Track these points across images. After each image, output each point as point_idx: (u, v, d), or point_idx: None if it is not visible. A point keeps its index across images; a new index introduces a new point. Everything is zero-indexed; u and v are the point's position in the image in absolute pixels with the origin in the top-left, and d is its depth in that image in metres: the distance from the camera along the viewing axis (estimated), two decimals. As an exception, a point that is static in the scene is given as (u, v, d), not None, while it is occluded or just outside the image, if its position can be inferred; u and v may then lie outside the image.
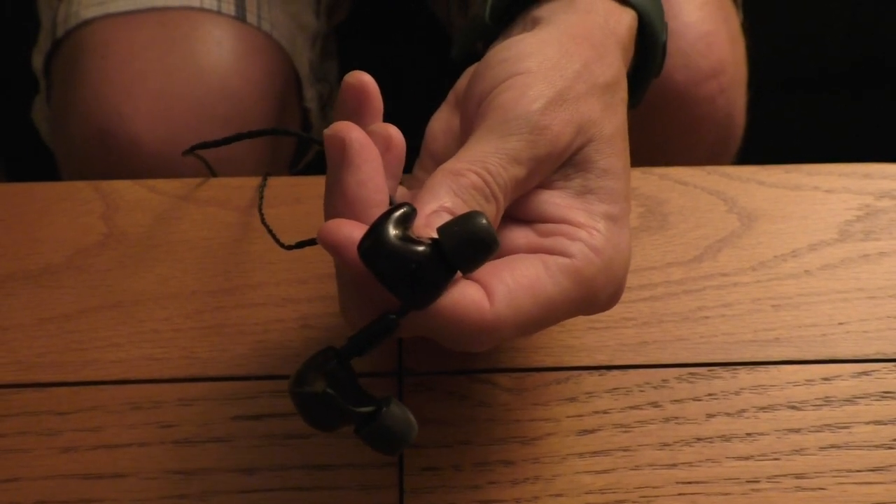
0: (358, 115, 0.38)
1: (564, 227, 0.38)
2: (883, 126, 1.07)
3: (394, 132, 0.38)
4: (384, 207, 0.36)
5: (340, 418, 0.35)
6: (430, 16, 0.81)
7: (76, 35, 0.63)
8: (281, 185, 0.50)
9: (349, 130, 0.36)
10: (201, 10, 0.63)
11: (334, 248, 0.35)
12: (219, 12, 0.63)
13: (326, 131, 0.37)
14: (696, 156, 0.65)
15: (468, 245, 0.34)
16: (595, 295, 0.38)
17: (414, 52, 0.96)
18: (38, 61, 0.68)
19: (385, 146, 0.38)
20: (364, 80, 0.38)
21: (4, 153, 1.01)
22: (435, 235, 0.35)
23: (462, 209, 0.36)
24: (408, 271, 0.34)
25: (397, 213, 0.34)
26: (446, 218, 0.36)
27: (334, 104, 0.75)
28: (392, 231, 0.34)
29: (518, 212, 0.39)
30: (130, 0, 0.63)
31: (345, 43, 0.81)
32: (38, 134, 0.73)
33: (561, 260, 0.37)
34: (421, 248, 0.34)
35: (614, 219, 0.39)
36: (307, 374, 0.35)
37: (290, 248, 0.45)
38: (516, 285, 0.36)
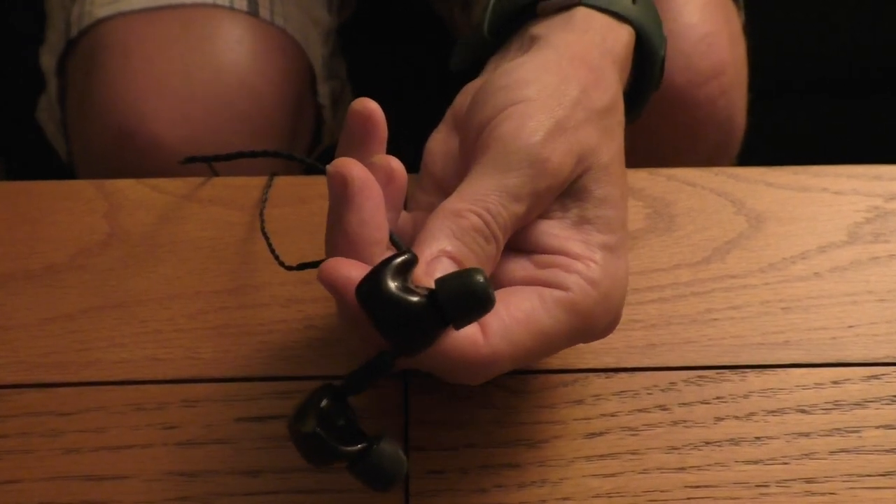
0: (362, 143, 0.39)
1: (561, 259, 0.38)
2: (893, 129, 1.07)
3: (395, 165, 0.38)
4: (384, 244, 0.37)
5: (332, 456, 0.36)
6: (433, 16, 0.81)
7: (92, 34, 0.63)
8: (285, 186, 0.49)
9: (351, 168, 0.36)
10: (214, 6, 0.63)
11: (333, 288, 0.35)
12: (231, 8, 0.63)
13: (329, 167, 0.37)
14: (696, 158, 0.65)
15: (464, 302, 0.34)
16: (592, 326, 0.38)
17: (417, 52, 0.96)
18: (47, 61, 0.68)
19: (387, 179, 0.38)
20: (370, 107, 0.39)
21: (5, 152, 1.01)
22: (432, 285, 0.35)
23: (462, 251, 0.37)
24: (402, 320, 0.34)
25: (398, 261, 0.35)
26: (447, 263, 0.36)
27: (345, 102, 0.75)
28: (391, 279, 0.34)
29: (515, 242, 0.39)
30: None
31: (349, 43, 0.80)
32: (39, 133, 0.73)
33: (557, 293, 0.37)
34: (416, 299, 0.34)
35: (611, 249, 0.39)
36: (303, 411, 0.36)
37: (291, 268, 0.45)
38: (511, 319, 0.37)
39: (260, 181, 0.49)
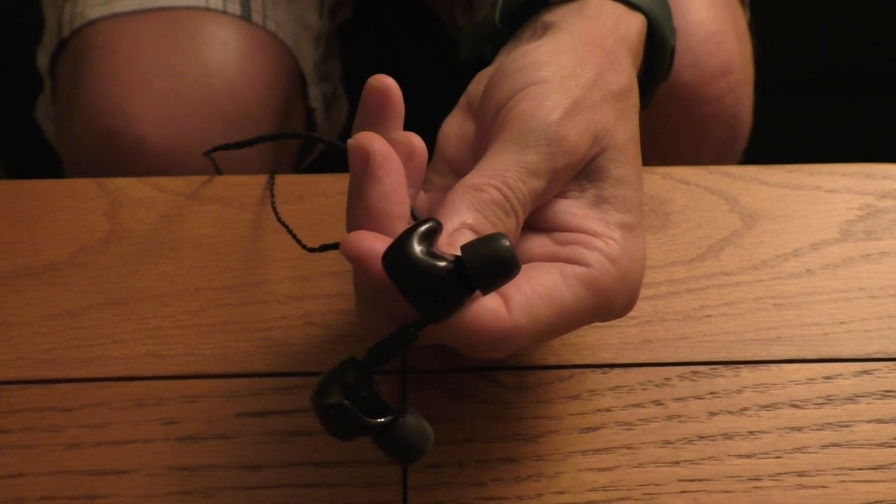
0: (379, 119, 0.38)
1: (581, 237, 0.38)
2: (885, 127, 1.07)
3: (416, 141, 0.38)
4: (406, 218, 0.36)
5: (358, 428, 0.36)
6: (431, 15, 0.81)
7: (82, 35, 0.63)
8: (286, 184, 0.50)
9: (373, 142, 0.36)
10: (207, 9, 0.63)
11: (357, 260, 0.35)
12: (224, 12, 0.63)
13: (350, 141, 0.36)
14: (703, 155, 0.65)
15: (490, 266, 0.34)
16: (610, 303, 0.38)
17: (416, 50, 0.96)
18: (43, 61, 0.68)
19: (407, 155, 0.38)
20: (387, 83, 0.38)
21: (6, 152, 1.01)
22: (458, 253, 0.35)
23: (483, 224, 0.37)
24: (429, 285, 0.34)
25: (423, 228, 0.35)
26: (468, 235, 0.36)
27: (338, 103, 0.76)
28: (416, 245, 0.34)
29: (534, 221, 0.39)
30: (136, 0, 0.63)
31: (347, 42, 0.81)
32: (39, 133, 0.73)
33: (578, 269, 0.37)
34: (443, 264, 0.34)
35: (629, 227, 0.39)
36: (327, 385, 0.36)
37: (313, 250, 0.45)
38: (533, 294, 0.36)
39: (260, 179, 0.50)
